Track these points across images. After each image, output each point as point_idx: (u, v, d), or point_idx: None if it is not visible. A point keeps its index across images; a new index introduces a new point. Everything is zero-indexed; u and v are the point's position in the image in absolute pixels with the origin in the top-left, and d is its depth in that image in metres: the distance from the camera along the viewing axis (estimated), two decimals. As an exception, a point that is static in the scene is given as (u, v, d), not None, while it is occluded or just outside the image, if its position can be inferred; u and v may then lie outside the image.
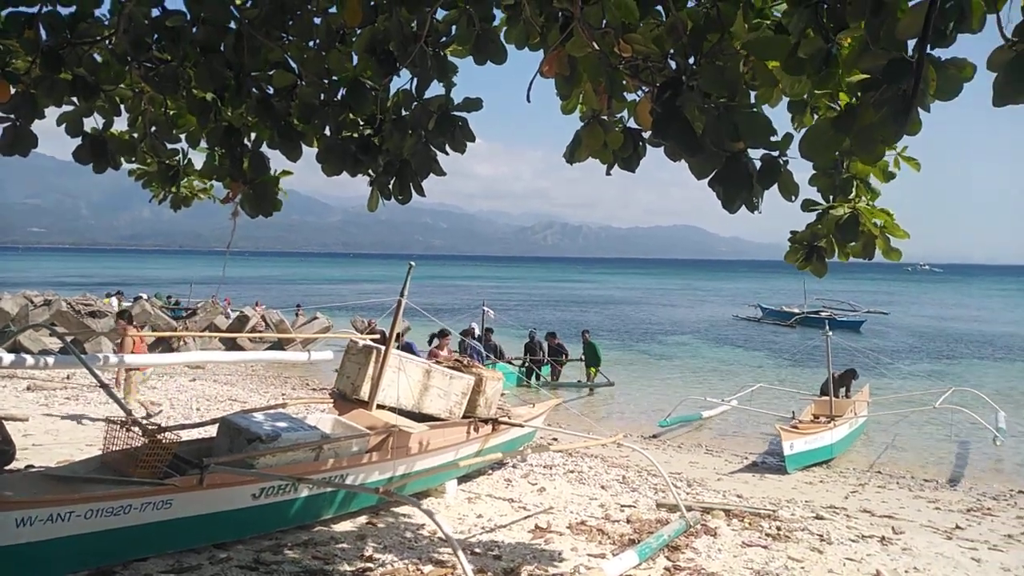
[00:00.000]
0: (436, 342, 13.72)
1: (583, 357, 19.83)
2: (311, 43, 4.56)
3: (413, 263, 7.98)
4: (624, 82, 4.13)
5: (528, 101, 4.46)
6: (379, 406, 7.43)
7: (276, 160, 4.80)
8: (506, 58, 4.31)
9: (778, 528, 7.61)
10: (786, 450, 11.27)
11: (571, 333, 25.65)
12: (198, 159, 5.37)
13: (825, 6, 3.33)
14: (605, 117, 4.21)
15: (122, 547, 5.30)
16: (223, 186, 4.95)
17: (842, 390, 15.04)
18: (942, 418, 15.12)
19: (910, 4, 3.00)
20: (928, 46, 3.18)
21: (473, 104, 4.60)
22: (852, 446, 13.47)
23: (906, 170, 4.68)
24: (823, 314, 35.46)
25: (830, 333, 14.34)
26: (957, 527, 8.63)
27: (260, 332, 23.10)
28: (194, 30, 4.19)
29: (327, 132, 4.77)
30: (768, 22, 3.93)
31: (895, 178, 4.75)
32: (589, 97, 4.30)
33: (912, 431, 15.09)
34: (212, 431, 6.95)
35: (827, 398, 13.72)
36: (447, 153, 4.69)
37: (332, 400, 7.97)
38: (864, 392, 15.99)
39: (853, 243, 4.74)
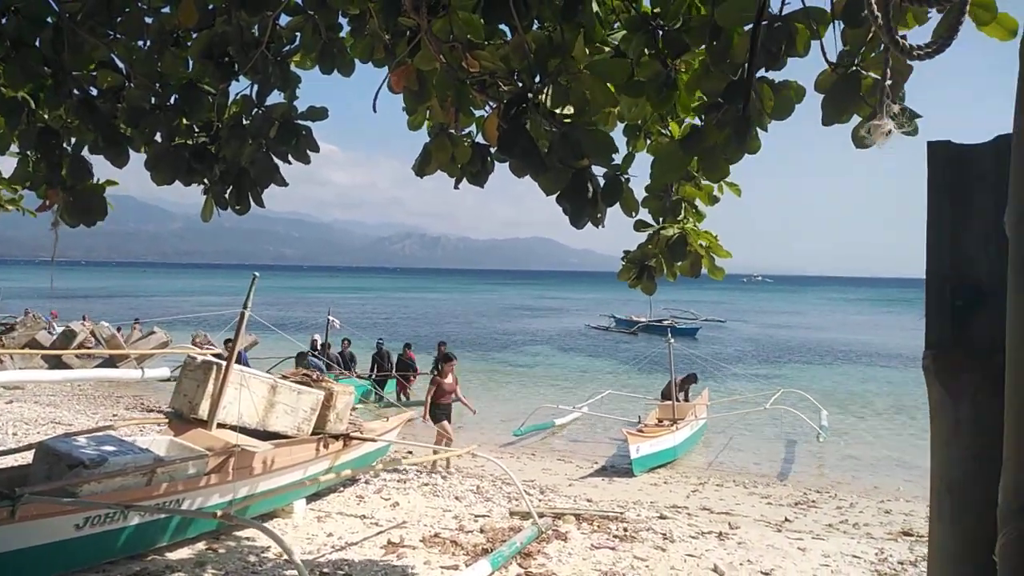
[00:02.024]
0: (441, 367, 12.48)
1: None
2: (141, 43, 4.29)
3: (257, 274, 7.66)
4: (472, 97, 4.18)
5: (374, 111, 4.40)
6: (220, 425, 7.05)
7: (101, 166, 4.47)
8: (354, 69, 4.24)
9: (625, 529, 7.91)
10: (632, 453, 11.75)
11: (429, 345, 25.50)
12: (7, 165, 4.89)
13: (660, 32, 3.52)
14: (453, 131, 4.24)
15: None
16: (37, 195, 4.52)
17: (682, 394, 15.88)
18: (773, 418, 16.32)
19: (745, 28, 3.23)
20: (762, 69, 3.45)
21: (317, 113, 4.49)
22: (693, 447, 14.25)
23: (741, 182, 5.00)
24: (665, 323, 37.40)
25: (672, 340, 15.14)
26: (786, 520, 9.34)
27: (89, 348, 21.31)
28: (3, 21, 3.83)
29: (158, 138, 4.49)
30: (608, 48, 4.11)
31: (719, 201, 5.10)
32: (436, 112, 4.31)
33: (747, 431, 16.17)
34: (29, 457, 6.35)
35: (670, 402, 14.45)
36: (289, 162, 4.55)
37: (167, 420, 7.49)
38: (703, 396, 16.96)
39: (681, 261, 5.05)
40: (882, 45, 2.84)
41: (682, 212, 4.97)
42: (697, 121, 3.87)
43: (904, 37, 1.87)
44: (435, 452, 10.33)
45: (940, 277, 1.34)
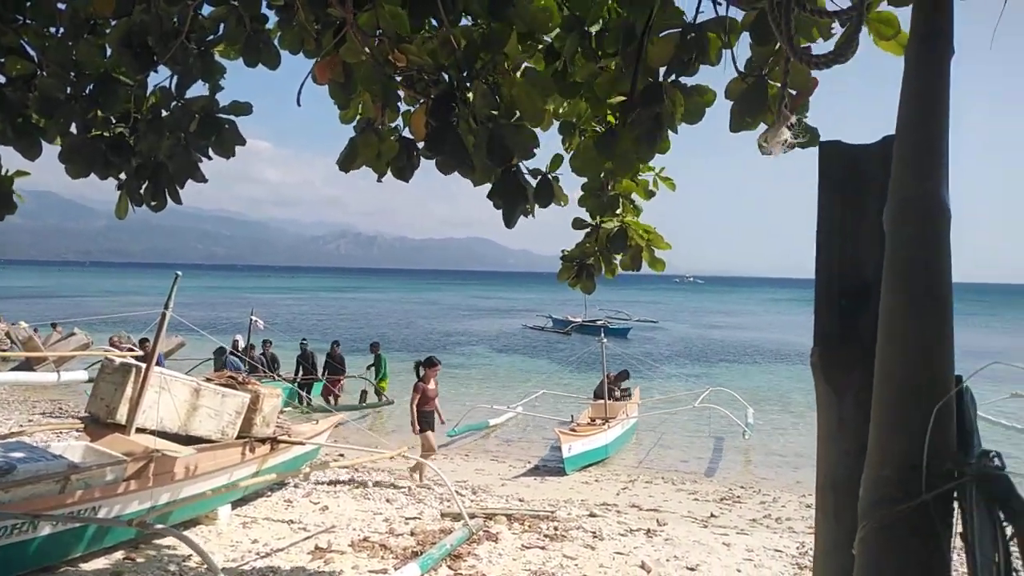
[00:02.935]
0: (423, 372, 11.12)
1: (367, 370, 18.96)
2: (54, 30, 4.10)
3: (179, 273, 7.42)
4: (399, 91, 4.13)
5: (298, 105, 4.31)
6: (139, 430, 6.79)
7: (10, 158, 4.25)
8: (279, 62, 4.13)
9: (555, 528, 7.96)
10: (565, 452, 11.85)
11: (363, 347, 25.10)
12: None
13: (594, 33, 3.55)
14: (380, 126, 4.18)
15: None
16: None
17: (617, 390, 16.06)
18: (701, 416, 16.68)
19: (660, 35, 3.28)
20: (674, 74, 3.51)
21: (241, 108, 4.37)
22: (625, 446, 14.45)
23: (678, 184, 5.08)
24: (599, 323, 37.89)
25: (605, 340, 15.33)
26: (712, 515, 9.55)
27: (3, 351, 20.26)
28: None
29: (73, 130, 4.30)
30: (540, 46, 4.12)
31: (655, 196, 5.18)
32: (368, 106, 4.25)
33: (676, 429, 16.48)
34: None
35: (603, 401, 14.62)
36: (210, 158, 4.41)
37: (83, 425, 7.18)
38: (635, 394, 17.22)
39: (622, 255, 5.10)
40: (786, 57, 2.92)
41: (620, 207, 5.02)
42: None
43: (808, 48, 1.92)
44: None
45: (829, 275, 1.38)
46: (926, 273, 1.04)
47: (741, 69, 3.20)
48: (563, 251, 5.37)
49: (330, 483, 9.72)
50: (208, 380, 7.87)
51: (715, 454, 14.42)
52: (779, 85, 2.97)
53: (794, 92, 2.75)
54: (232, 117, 4.33)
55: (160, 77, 4.22)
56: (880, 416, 0.98)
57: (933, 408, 0.93)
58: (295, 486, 9.25)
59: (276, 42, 4.09)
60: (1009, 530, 0.95)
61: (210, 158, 4.35)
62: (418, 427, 10.80)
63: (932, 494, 0.89)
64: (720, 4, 2.94)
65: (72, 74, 4.16)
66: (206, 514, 7.42)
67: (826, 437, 1.32)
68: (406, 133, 4.25)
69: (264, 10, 4.00)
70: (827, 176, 1.42)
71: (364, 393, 18.48)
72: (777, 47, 2.94)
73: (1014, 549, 0.97)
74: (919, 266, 1.04)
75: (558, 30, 3.77)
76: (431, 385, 11.03)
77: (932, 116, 1.09)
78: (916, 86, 1.14)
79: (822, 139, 2.67)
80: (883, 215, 1.08)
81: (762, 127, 3.12)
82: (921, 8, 1.18)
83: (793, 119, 2.54)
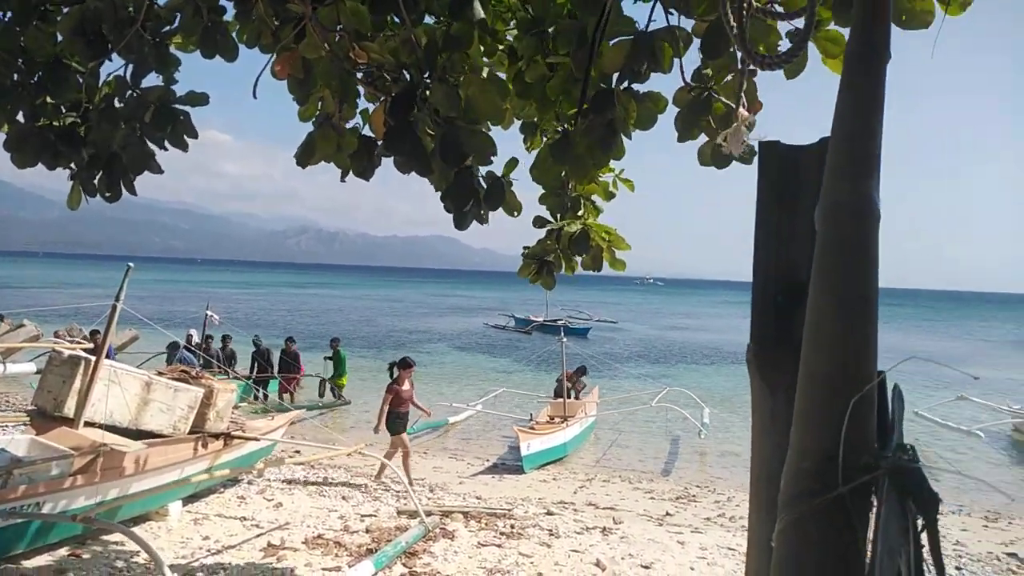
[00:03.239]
0: (396, 373, 10.83)
1: (324, 362, 18.66)
2: (1, 15, 4.00)
3: (131, 265, 7.27)
4: (358, 88, 4.12)
5: (255, 97, 4.27)
6: (88, 424, 6.65)
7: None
8: (237, 54, 4.08)
9: (512, 526, 7.99)
10: (523, 450, 11.89)
11: (323, 344, 24.79)
12: None
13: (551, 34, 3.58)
14: (338, 122, 4.16)
15: None
16: None
17: (576, 388, 16.14)
18: (659, 415, 16.87)
19: (611, 43, 3.32)
20: (627, 81, 3.56)
21: (197, 99, 4.31)
22: (583, 444, 14.55)
23: (632, 190, 5.13)
24: (560, 322, 38.08)
25: (565, 339, 15.42)
26: (667, 514, 9.67)
27: (-52, 343, 19.66)
28: None
29: (21, 117, 4.21)
30: (502, 46, 4.14)
31: (615, 197, 5.24)
32: (328, 102, 4.23)
33: (634, 428, 16.63)
34: None
35: (562, 400, 14.70)
36: (166, 149, 4.34)
37: (30, 418, 7.01)
38: (594, 393, 17.34)
39: (584, 255, 5.15)
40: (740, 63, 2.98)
41: (581, 208, 5.07)
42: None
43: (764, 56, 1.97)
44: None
45: (765, 275, 1.42)
46: (852, 274, 1.07)
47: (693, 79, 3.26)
48: (524, 248, 5.41)
49: (285, 480, 9.63)
50: (160, 374, 7.74)
51: (672, 453, 14.59)
52: (724, 101, 3.04)
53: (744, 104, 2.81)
54: (188, 108, 4.27)
55: (113, 66, 4.14)
56: (801, 411, 1.02)
57: (851, 402, 0.97)
58: (249, 482, 9.14)
59: (235, 35, 4.05)
60: (920, 522, 0.98)
61: (166, 149, 4.29)
62: (384, 428, 10.57)
63: (847, 487, 0.92)
64: (672, 14, 2.99)
65: (20, 60, 4.07)
66: (156, 510, 7.31)
67: (760, 432, 1.36)
68: (367, 131, 4.24)
69: (223, 2, 3.95)
70: (765, 176, 1.46)
71: (323, 383, 18.24)
72: (734, 50, 3.00)
73: (925, 541, 1.02)
74: (846, 267, 1.08)
75: (516, 31, 3.80)
76: (405, 386, 10.79)
77: (867, 120, 1.13)
78: (853, 90, 1.18)
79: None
80: (814, 215, 1.12)
81: (703, 138, 3.19)
82: (861, 15, 1.22)
83: (752, 118, 2.60)
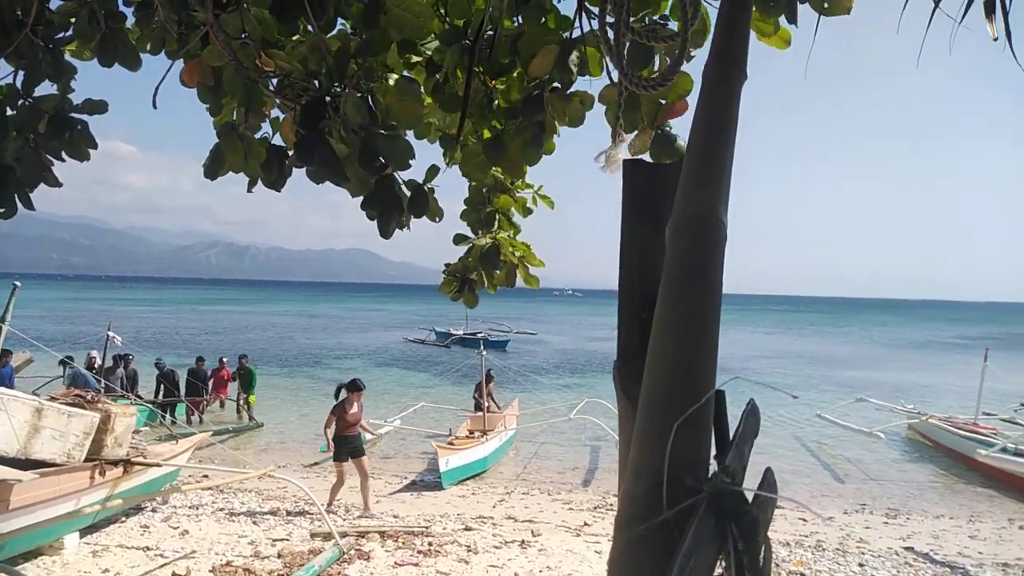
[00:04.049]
0: (344, 395, 10.25)
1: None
2: None
3: (18, 284, 6.83)
4: (265, 97, 3.98)
5: (154, 107, 4.08)
6: (-30, 454, 6.18)
7: None
8: (140, 64, 3.89)
9: (430, 544, 7.87)
10: (442, 467, 11.76)
11: (232, 363, 23.87)
12: None
13: (477, 50, 3.55)
14: (245, 131, 4.01)
15: None
16: None
17: (490, 396, 16.10)
18: (578, 426, 16.99)
19: (541, 50, 3.33)
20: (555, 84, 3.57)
21: (96, 107, 4.07)
22: (503, 457, 14.51)
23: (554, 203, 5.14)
24: (479, 335, 38.04)
25: (484, 352, 15.38)
26: (585, 524, 9.72)
27: None
28: None
29: None
30: (420, 59, 4.08)
31: (533, 213, 5.25)
32: (239, 111, 4.08)
33: (554, 440, 16.70)
34: None
35: (481, 414, 14.64)
36: (63, 160, 4.08)
37: (-96, 451, 6.45)
38: (514, 406, 17.35)
39: (498, 272, 5.13)
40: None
41: (496, 224, 5.05)
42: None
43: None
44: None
45: (630, 290, 1.43)
46: (694, 290, 1.06)
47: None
48: (446, 265, 5.35)
49: (191, 506, 9.20)
50: (53, 399, 7.27)
51: (591, 463, 14.71)
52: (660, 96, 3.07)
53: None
54: (86, 117, 4.04)
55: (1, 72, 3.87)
56: (638, 431, 1.00)
57: (684, 423, 0.95)
58: (152, 510, 8.70)
59: (136, 42, 3.85)
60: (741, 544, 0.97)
61: (63, 160, 4.03)
62: (336, 453, 10.03)
63: (671, 512, 0.90)
64: (594, 18, 3.02)
65: None
66: (50, 544, 6.85)
67: (625, 447, 1.34)
68: (278, 140, 4.11)
69: (123, 8, 3.75)
70: (629, 193, 1.48)
71: (243, 402, 17.67)
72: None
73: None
74: (689, 283, 1.07)
75: (437, 43, 3.76)
76: (353, 409, 10.15)
77: (719, 137, 1.13)
78: (708, 107, 1.18)
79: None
80: (666, 232, 1.11)
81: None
82: (719, 34, 1.23)
83: (629, 139, 2.64)
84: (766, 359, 41.40)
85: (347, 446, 9.99)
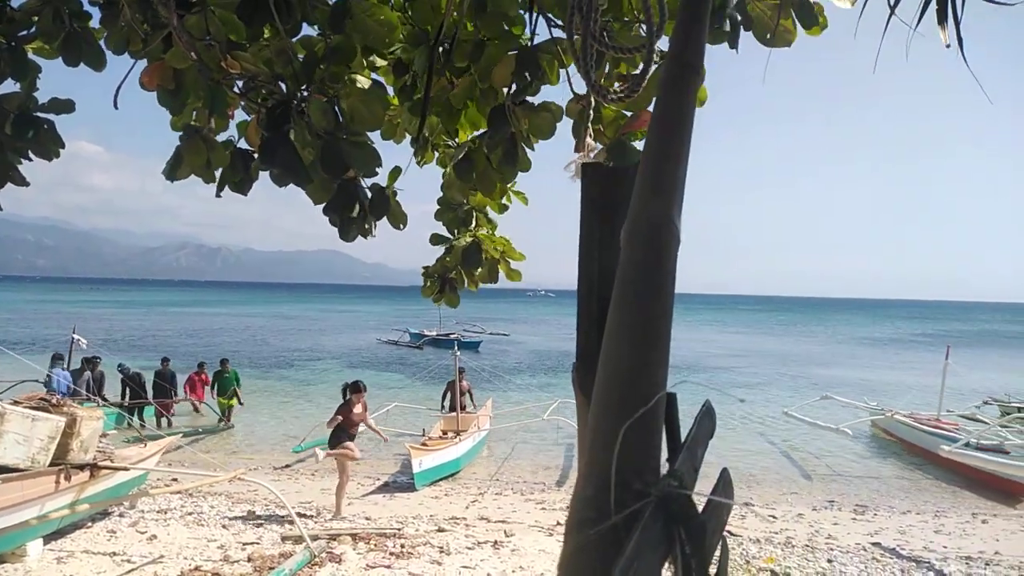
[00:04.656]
0: (349, 396, 10.60)
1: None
2: None
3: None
4: (230, 99, 3.96)
5: (115, 107, 4.04)
6: (-70, 461, 6.06)
7: None
8: (105, 63, 3.85)
9: (402, 545, 7.86)
10: (415, 467, 11.73)
11: (214, 366, 23.43)
12: None
13: (443, 49, 3.56)
14: (210, 135, 3.98)
15: None
16: None
17: (469, 393, 16.09)
18: (551, 427, 17.03)
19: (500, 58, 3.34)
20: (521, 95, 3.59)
21: (62, 106, 4.02)
22: (476, 458, 14.51)
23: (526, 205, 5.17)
24: (452, 336, 37.98)
25: (458, 353, 15.37)
26: (558, 523, 9.75)
27: None
28: None
29: None
30: (386, 62, 4.08)
31: (508, 210, 5.26)
32: (202, 113, 4.05)
33: (528, 440, 16.73)
34: None
35: (455, 414, 14.62)
36: (31, 159, 4.02)
37: None
38: (487, 406, 17.35)
39: (479, 269, 5.14)
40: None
41: (474, 221, 5.06)
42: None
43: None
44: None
45: (588, 292, 1.45)
46: (646, 293, 1.06)
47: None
48: (424, 267, 5.34)
49: (160, 510, 9.09)
50: (16, 403, 7.14)
51: (565, 463, 14.75)
52: (615, 110, 3.11)
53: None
54: (52, 116, 3.98)
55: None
56: (589, 436, 1.01)
57: (633, 426, 0.96)
58: (120, 515, 8.59)
59: (103, 42, 3.81)
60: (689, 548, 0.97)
61: (30, 159, 3.97)
62: (332, 441, 10.28)
63: (619, 516, 0.91)
64: (556, 27, 3.04)
65: None
66: (12, 551, 6.73)
67: (584, 449, 1.36)
68: (244, 143, 4.08)
69: (88, 7, 3.70)
70: (587, 196, 1.49)
71: (223, 410, 17.38)
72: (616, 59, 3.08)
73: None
74: (641, 286, 1.07)
75: (403, 45, 3.76)
76: (357, 409, 10.50)
77: (674, 140, 1.14)
78: (664, 111, 1.19)
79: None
80: (620, 235, 1.13)
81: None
82: (675, 40, 1.24)
83: (597, 147, 2.68)
84: (735, 357, 41.85)
85: (345, 435, 10.23)
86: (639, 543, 0.87)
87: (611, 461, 0.92)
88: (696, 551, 0.95)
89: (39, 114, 3.94)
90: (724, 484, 1.26)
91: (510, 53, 3.29)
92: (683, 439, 1.19)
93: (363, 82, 3.51)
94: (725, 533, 1.22)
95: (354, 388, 10.72)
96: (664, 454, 1.04)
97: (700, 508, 1.04)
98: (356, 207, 3.82)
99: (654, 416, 1.00)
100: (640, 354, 1.02)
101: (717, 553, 1.22)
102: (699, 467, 1.19)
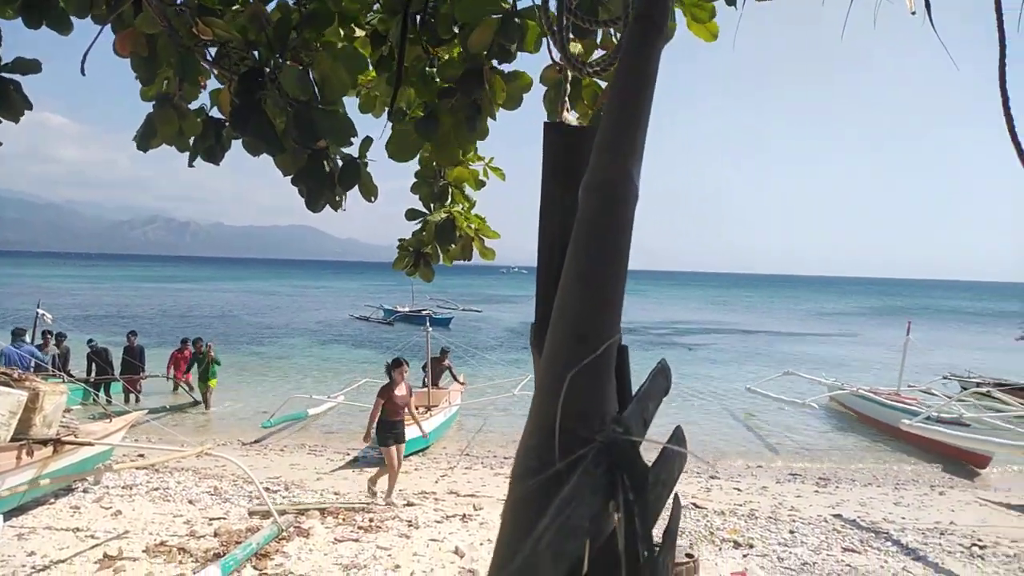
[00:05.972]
0: (391, 376, 9.60)
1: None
2: None
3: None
4: (201, 66, 3.87)
5: (83, 74, 3.93)
6: None
7: None
8: (71, 26, 3.71)
9: (371, 520, 7.87)
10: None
11: (172, 341, 23.21)
12: None
13: (419, 18, 3.50)
14: (180, 101, 3.89)
15: None
16: None
17: (450, 371, 16.10)
18: (522, 402, 17.10)
19: (481, 21, 3.29)
20: (495, 60, 3.55)
21: (28, 66, 3.88)
22: (446, 433, 14.55)
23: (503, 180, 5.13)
24: (423, 312, 37.93)
25: (430, 329, 15.35)
26: (526, 496, 9.81)
27: None
28: None
29: None
30: (363, 32, 4.00)
31: (485, 185, 5.22)
32: (173, 82, 3.95)
33: (499, 415, 16.80)
34: None
35: (426, 389, 14.63)
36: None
37: None
38: (460, 380, 17.37)
39: (453, 245, 5.11)
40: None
41: (450, 197, 5.01)
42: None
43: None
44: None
45: (549, 254, 1.43)
46: (601, 248, 1.05)
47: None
48: (400, 240, 5.30)
49: (125, 486, 9.01)
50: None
51: (534, 438, 14.82)
52: (596, 81, 3.08)
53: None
54: (18, 77, 3.85)
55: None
56: (539, 386, 1.00)
57: (581, 373, 0.94)
58: (84, 491, 8.49)
59: (66, 4, 3.68)
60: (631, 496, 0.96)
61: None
62: (375, 440, 9.55)
63: (563, 463, 0.90)
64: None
65: None
66: (-28, 528, 6.62)
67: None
68: (216, 112, 3.99)
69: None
70: (548, 156, 1.47)
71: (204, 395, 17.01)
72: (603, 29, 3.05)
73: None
74: (596, 241, 1.06)
75: (380, 15, 3.69)
76: (400, 391, 9.48)
77: (637, 99, 1.13)
78: (627, 69, 1.18)
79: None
80: (579, 191, 1.11)
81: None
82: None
83: (572, 117, 2.65)
84: (699, 334, 42.31)
85: (393, 431, 9.44)
86: (578, 485, 0.86)
87: (556, 409, 0.91)
88: (639, 499, 0.93)
89: (4, 74, 3.82)
90: (677, 439, 1.25)
91: (491, 17, 3.24)
92: (635, 394, 1.19)
93: (335, 48, 3.45)
94: (690, 504, 1.22)
95: (395, 364, 9.60)
96: (607, 405, 1.03)
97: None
98: (325, 176, 3.77)
99: (603, 365, 0.98)
100: (591, 300, 1.01)
101: (670, 511, 1.22)
102: (649, 421, 1.18)
